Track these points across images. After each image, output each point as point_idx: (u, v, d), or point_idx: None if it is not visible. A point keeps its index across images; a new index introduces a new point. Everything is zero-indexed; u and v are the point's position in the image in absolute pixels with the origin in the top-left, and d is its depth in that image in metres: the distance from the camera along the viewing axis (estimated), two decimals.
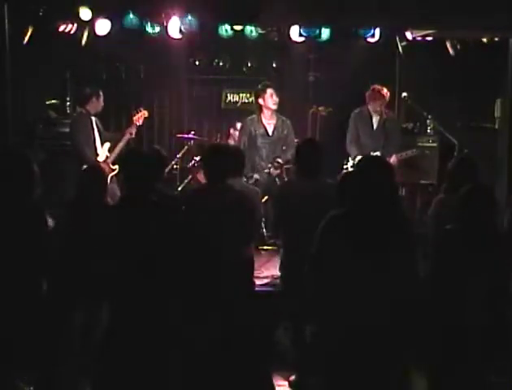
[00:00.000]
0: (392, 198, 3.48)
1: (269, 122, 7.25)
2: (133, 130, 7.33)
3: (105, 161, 7.15)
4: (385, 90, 7.35)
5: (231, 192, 4.60)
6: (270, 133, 7.24)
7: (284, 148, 7.17)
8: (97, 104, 7.27)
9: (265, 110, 7.22)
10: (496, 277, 3.90)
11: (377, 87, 7.35)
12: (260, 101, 7.21)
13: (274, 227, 5.18)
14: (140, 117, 7.42)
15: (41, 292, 4.19)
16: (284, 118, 7.32)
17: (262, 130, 7.24)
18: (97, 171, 5.27)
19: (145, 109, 7.54)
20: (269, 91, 7.14)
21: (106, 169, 7.08)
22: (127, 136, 7.31)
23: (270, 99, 7.13)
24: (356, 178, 3.59)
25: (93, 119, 7.25)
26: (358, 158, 6.95)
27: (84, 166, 6.00)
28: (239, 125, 7.99)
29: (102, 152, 7.21)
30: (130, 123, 7.47)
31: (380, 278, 3.35)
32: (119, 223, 4.06)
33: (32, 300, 4.04)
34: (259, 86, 7.28)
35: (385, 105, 7.41)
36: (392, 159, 7.15)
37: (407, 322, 3.45)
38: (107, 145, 7.27)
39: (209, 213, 4.45)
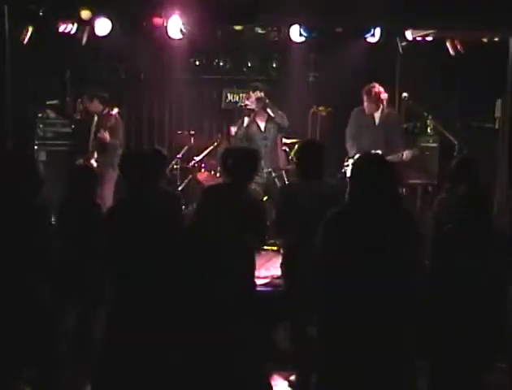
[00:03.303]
0: (393, 196, 3.47)
1: (260, 123, 7.40)
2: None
3: (88, 158, 7.23)
4: (379, 89, 7.04)
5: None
6: (263, 134, 7.36)
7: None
8: (92, 105, 7.46)
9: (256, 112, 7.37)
10: (495, 277, 3.90)
11: (370, 85, 7.07)
12: None
13: (276, 227, 5.16)
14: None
15: (41, 290, 4.18)
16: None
17: (256, 130, 7.34)
18: (86, 170, 5.30)
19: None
20: (251, 93, 7.36)
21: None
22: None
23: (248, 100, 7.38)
24: (354, 176, 3.59)
25: (96, 118, 7.36)
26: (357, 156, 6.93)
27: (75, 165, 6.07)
28: (240, 121, 8.05)
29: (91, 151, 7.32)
30: None
31: (382, 276, 3.34)
32: (120, 224, 4.06)
33: (31, 299, 4.03)
34: None
35: (382, 103, 7.14)
36: (406, 153, 7.07)
37: (409, 320, 3.45)
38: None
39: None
